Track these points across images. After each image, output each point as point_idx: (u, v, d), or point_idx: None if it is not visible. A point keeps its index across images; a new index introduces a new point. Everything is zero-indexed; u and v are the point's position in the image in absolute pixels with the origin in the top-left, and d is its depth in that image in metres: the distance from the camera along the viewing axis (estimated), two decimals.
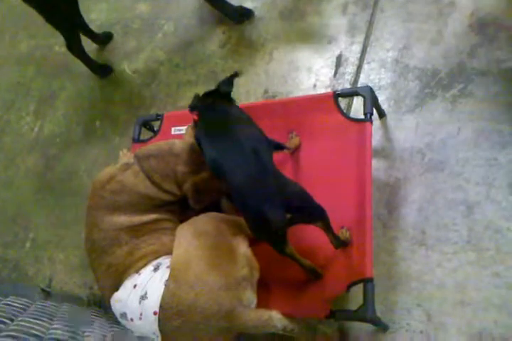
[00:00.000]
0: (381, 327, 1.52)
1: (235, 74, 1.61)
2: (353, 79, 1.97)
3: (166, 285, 1.30)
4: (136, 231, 1.49)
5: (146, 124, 2.08)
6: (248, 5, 2.43)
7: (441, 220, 1.63)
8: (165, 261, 1.42)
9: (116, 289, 1.43)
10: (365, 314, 1.36)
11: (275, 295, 1.49)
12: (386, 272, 1.61)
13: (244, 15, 2.40)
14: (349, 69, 2.01)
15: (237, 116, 1.51)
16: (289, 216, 1.26)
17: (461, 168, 1.67)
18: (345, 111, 1.69)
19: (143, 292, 1.34)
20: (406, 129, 1.80)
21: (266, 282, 1.48)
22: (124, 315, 1.38)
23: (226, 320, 1.27)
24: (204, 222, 1.50)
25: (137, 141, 2.03)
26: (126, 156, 1.94)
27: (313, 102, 1.67)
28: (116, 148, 2.23)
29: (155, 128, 2.06)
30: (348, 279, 1.41)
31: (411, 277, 1.59)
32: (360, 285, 1.39)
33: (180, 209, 1.61)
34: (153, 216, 1.52)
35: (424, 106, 1.81)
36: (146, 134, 2.07)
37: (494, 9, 1.81)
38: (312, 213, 1.33)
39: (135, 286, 1.38)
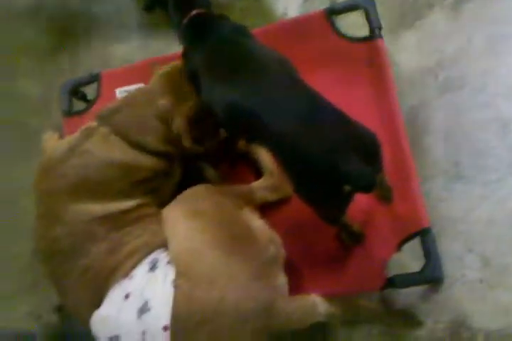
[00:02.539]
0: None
1: None
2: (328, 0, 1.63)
3: (175, 286, 0.95)
4: (114, 221, 1.09)
5: (77, 92, 1.61)
6: None
7: (475, 145, 1.36)
8: (163, 256, 1.05)
9: (98, 304, 1.04)
10: (434, 273, 1.08)
11: (308, 273, 1.18)
12: None
13: None
14: None
15: (245, 35, 1.11)
16: None
17: (483, 82, 1.40)
18: None
19: (141, 302, 0.97)
20: (408, 49, 1.50)
21: (289, 258, 1.15)
22: (115, 339, 0.99)
23: (266, 317, 0.95)
24: (195, 197, 1.14)
25: (69, 113, 1.55)
26: (52, 140, 1.50)
27: (301, 26, 1.32)
28: (35, 134, 1.62)
29: (88, 97, 1.62)
30: (399, 235, 1.12)
31: (454, 219, 1.31)
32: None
33: (164, 188, 1.22)
34: (133, 202, 1.13)
35: (423, 19, 1.51)
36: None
37: None
38: (381, 164, 0.94)
39: (127, 296, 1.00)
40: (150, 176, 1.17)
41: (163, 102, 1.15)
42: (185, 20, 1.14)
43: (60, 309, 1.63)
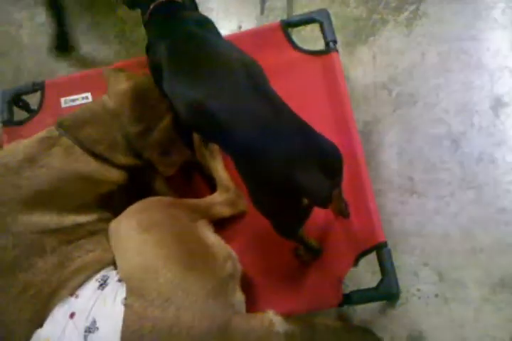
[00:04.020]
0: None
1: None
2: (285, 13, 1.63)
3: (125, 305, 0.89)
4: (67, 234, 1.03)
5: (18, 101, 1.52)
6: None
7: (428, 161, 1.39)
8: (113, 273, 0.99)
9: (38, 324, 0.95)
10: (390, 289, 1.06)
11: (264, 290, 1.14)
12: None
13: None
14: (278, 3, 1.67)
15: (211, 30, 1.05)
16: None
17: (435, 98, 1.43)
18: None
19: (88, 321, 0.90)
20: (362, 64, 1.52)
21: (246, 275, 1.12)
22: None
23: (222, 337, 0.90)
24: (148, 209, 1.08)
25: (9, 123, 1.47)
26: None
27: (256, 38, 1.30)
28: None
29: (32, 107, 1.53)
30: (355, 250, 1.10)
31: (409, 233, 1.33)
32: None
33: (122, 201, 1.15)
34: (92, 216, 1.08)
35: (377, 34, 1.55)
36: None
37: None
38: (341, 178, 0.91)
39: (73, 315, 0.93)
40: (113, 189, 1.13)
41: (133, 130, 1.12)
42: (152, 6, 1.08)
43: None
